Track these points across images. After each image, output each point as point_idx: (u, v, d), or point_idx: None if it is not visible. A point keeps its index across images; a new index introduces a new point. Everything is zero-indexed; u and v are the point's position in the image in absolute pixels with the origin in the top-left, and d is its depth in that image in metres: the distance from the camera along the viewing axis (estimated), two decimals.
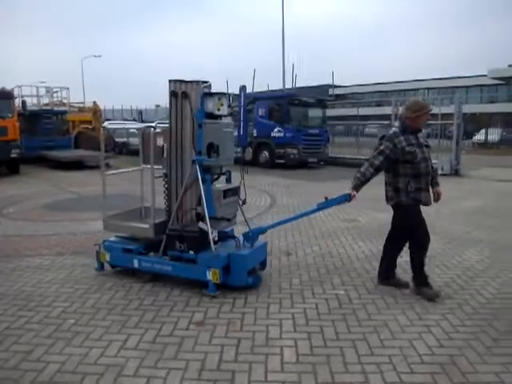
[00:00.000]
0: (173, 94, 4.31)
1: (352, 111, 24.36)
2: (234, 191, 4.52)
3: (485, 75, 42.85)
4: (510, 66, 42.58)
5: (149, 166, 4.67)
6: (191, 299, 4.02)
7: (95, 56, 45.59)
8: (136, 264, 4.47)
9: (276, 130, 15.33)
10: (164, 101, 22.18)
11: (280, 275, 4.67)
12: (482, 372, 2.86)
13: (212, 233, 4.15)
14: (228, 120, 4.66)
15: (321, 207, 4.29)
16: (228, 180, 4.58)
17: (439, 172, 14.11)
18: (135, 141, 22.57)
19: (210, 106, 4.25)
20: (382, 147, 4.03)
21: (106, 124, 5.56)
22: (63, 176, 13.51)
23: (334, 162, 16.70)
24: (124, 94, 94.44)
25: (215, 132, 4.32)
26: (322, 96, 23.29)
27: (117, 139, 23.26)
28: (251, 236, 4.41)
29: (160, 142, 4.53)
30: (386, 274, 4.37)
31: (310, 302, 3.96)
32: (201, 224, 4.22)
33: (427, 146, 4.17)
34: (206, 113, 4.19)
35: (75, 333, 3.38)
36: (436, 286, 4.22)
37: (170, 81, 4.36)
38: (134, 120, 23.08)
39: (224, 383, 2.75)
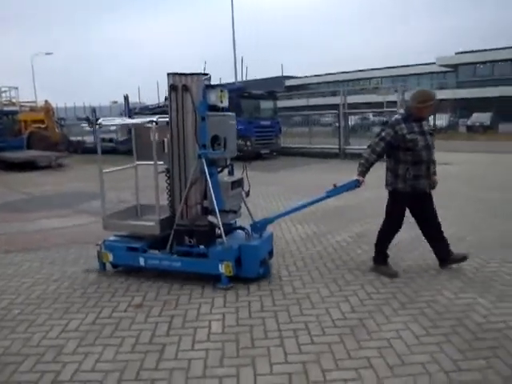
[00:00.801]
0: (172, 88, 4.22)
1: (306, 102, 24.95)
2: (239, 183, 4.51)
3: (434, 63, 44.49)
4: (456, 53, 44.27)
5: (143, 163, 4.74)
6: (131, 286, 4.29)
7: (46, 54, 44.28)
8: (142, 262, 4.39)
9: None
10: (119, 97, 21.99)
11: None
12: (385, 330, 3.27)
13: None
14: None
15: (330, 194, 4.36)
16: (231, 172, 4.55)
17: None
18: (91, 139, 22.40)
19: (213, 98, 4.23)
20: (383, 134, 4.18)
21: (100, 121, 5.10)
22: (16, 177, 13.35)
23: (288, 152, 17.17)
24: (77, 91, 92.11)
25: (220, 124, 4.28)
26: (275, 88, 23.74)
27: (71, 138, 22.98)
28: (259, 227, 4.45)
29: (155, 137, 4.43)
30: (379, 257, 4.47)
31: (245, 283, 4.30)
32: (210, 217, 4.26)
33: (431, 134, 4.26)
34: (208, 105, 4.16)
35: (20, 321, 3.61)
36: (360, 261, 4.68)
37: (168, 74, 4.28)
38: (88, 118, 22.71)
39: (155, 354, 3.05)
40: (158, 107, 20.08)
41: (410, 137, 4.11)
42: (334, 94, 16.17)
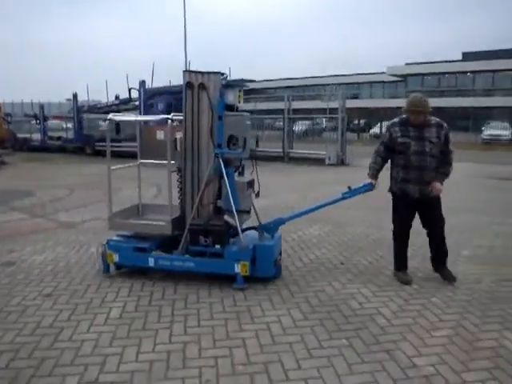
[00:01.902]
0: (188, 86, 4.18)
1: (260, 105, 25.42)
2: (251, 184, 4.48)
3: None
4: (406, 64, 46.04)
5: (147, 161, 4.71)
6: (46, 277, 4.48)
7: None
8: (152, 263, 4.30)
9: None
10: (69, 95, 21.58)
11: None
12: (268, 315, 3.63)
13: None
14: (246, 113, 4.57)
15: (346, 196, 4.38)
16: (241, 173, 4.51)
17: (326, 162, 15.35)
18: (38, 137, 21.95)
19: (231, 97, 4.16)
20: (383, 136, 4.45)
21: (110, 116, 4.77)
22: None
23: None
24: (25, 87, 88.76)
25: (236, 124, 4.23)
26: None
27: (19, 135, 22.44)
28: (272, 227, 4.46)
29: (161, 136, 4.46)
30: (398, 264, 4.52)
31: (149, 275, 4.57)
32: (226, 217, 4.24)
33: (431, 142, 4.16)
34: (225, 105, 4.12)
35: None
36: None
37: (184, 71, 4.24)
38: (35, 115, 22.24)
39: (52, 336, 3.28)
40: (107, 106, 19.98)
41: (402, 140, 4.19)
42: (281, 99, 16.50)
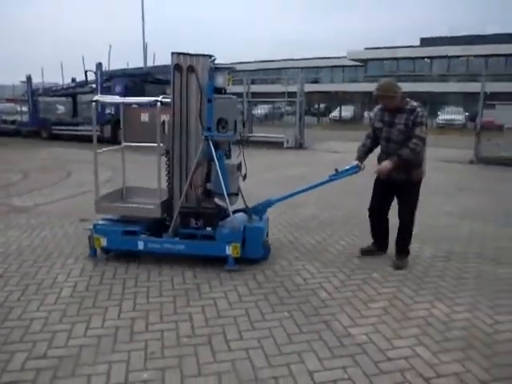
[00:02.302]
0: (176, 68, 4.12)
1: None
2: (239, 166, 4.46)
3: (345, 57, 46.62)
4: (365, 48, 46.70)
5: (131, 144, 4.60)
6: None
7: None
8: (141, 246, 4.30)
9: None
10: (22, 77, 20.76)
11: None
12: (216, 292, 3.79)
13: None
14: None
15: (333, 178, 4.45)
16: (228, 156, 4.48)
17: (285, 145, 15.53)
18: None
19: (220, 80, 4.11)
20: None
21: (97, 97, 4.73)
22: None
23: None
24: None
25: (226, 107, 4.23)
26: None
27: None
28: (261, 209, 4.52)
29: (145, 118, 4.45)
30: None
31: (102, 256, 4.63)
32: (217, 200, 4.28)
33: (398, 129, 4.19)
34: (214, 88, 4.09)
35: None
36: None
37: (172, 53, 4.14)
38: None
39: (1, 316, 3.32)
40: (63, 89, 19.43)
41: (377, 125, 4.37)
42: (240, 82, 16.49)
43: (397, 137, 4.23)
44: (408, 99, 4.27)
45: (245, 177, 4.54)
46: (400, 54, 44.10)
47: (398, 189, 4.41)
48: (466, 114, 28.49)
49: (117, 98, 5.12)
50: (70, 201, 7.20)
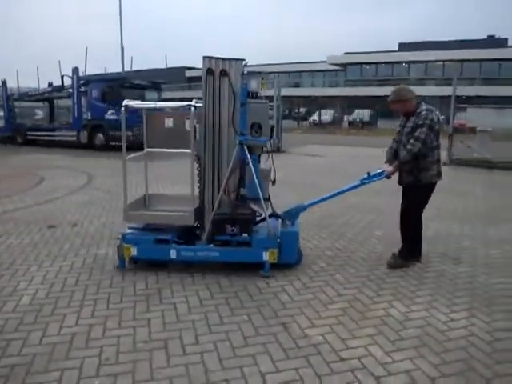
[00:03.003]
0: (209, 72, 4.11)
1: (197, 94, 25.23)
2: (270, 171, 4.49)
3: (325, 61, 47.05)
4: (345, 53, 47.22)
5: (154, 150, 4.50)
6: None
7: None
8: (174, 255, 4.20)
9: (110, 112, 15.49)
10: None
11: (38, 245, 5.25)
12: (177, 297, 3.80)
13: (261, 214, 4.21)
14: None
15: (364, 182, 4.49)
16: (258, 161, 4.45)
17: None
18: None
19: (254, 85, 4.16)
20: None
21: (131, 103, 4.42)
22: None
23: None
24: None
25: (259, 112, 4.22)
26: (176, 78, 23.69)
27: None
28: (294, 214, 4.48)
29: (169, 123, 4.36)
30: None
31: (66, 262, 4.63)
32: (253, 205, 4.25)
33: (406, 132, 4.34)
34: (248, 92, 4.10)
35: None
36: None
37: (204, 57, 4.12)
38: None
39: None
40: (39, 94, 19.25)
41: (397, 129, 4.57)
42: None
43: (404, 138, 4.38)
44: (421, 104, 4.38)
45: (274, 181, 4.54)
46: (379, 58, 44.70)
47: (407, 191, 4.54)
48: (442, 116, 28.97)
49: (149, 104, 4.93)
50: (40, 207, 7.13)
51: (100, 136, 15.79)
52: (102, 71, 20.55)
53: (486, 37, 45.82)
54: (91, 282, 4.10)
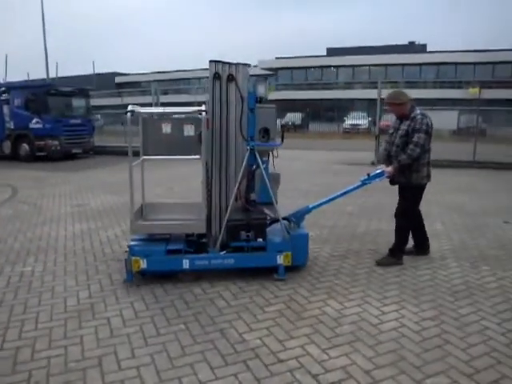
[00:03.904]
0: (216, 77, 4.03)
1: (129, 100, 24.65)
2: (279, 176, 4.52)
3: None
4: (276, 58, 48.06)
5: (151, 158, 4.29)
6: None
7: None
8: (186, 265, 4.09)
9: (34, 121, 14.70)
10: None
11: None
12: (111, 310, 3.68)
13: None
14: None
15: (365, 182, 4.64)
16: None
17: None
18: None
19: (262, 90, 4.11)
20: None
21: (138, 109, 4.16)
22: None
23: (104, 151, 16.89)
24: None
25: (266, 116, 4.21)
26: (104, 84, 22.89)
27: None
28: (299, 217, 4.52)
29: (167, 129, 4.25)
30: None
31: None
32: (266, 210, 4.26)
33: (400, 135, 4.51)
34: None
35: None
36: (119, 253, 5.06)
37: (211, 61, 4.03)
38: None
39: None
40: None
41: (390, 131, 4.77)
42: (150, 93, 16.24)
43: (397, 140, 4.57)
44: (416, 108, 4.60)
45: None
46: (308, 63, 45.96)
47: (400, 191, 4.79)
48: (369, 118, 30.29)
49: (158, 109, 4.60)
50: None
51: (25, 146, 14.94)
52: (25, 77, 19.56)
53: (407, 43, 48.51)
54: (17, 301, 3.86)
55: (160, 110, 4.72)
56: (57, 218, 6.86)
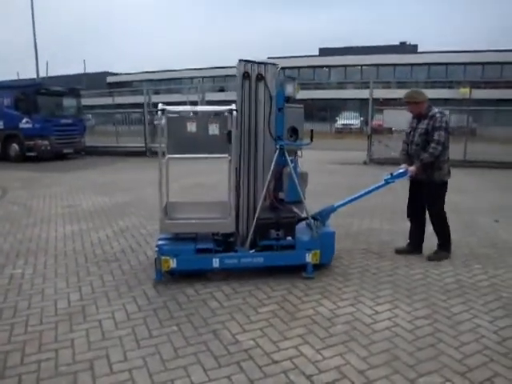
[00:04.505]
0: (245, 76, 4.05)
1: (121, 99, 24.55)
2: (307, 175, 4.55)
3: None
4: (268, 58, 48.00)
5: (175, 156, 4.21)
6: None
7: None
8: (216, 264, 4.10)
9: (24, 121, 14.56)
10: None
11: None
12: (102, 313, 3.64)
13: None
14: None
15: (389, 181, 4.73)
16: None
17: None
18: None
19: (290, 89, 4.14)
20: None
21: (169, 108, 4.13)
22: None
23: (95, 152, 16.78)
24: None
25: (295, 116, 4.28)
26: (96, 83, 22.70)
27: None
28: (325, 215, 4.55)
29: (192, 128, 4.15)
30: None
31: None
32: (295, 209, 4.32)
33: (419, 133, 4.66)
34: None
35: None
36: (112, 252, 5.01)
37: (240, 61, 4.07)
38: None
39: None
40: None
41: (407, 131, 4.91)
42: (142, 92, 16.16)
43: (417, 139, 4.69)
44: (432, 107, 4.72)
45: None
46: (300, 62, 46.02)
47: (420, 190, 4.82)
48: (362, 118, 30.39)
49: (186, 107, 4.59)
50: None
51: (15, 146, 14.79)
52: (15, 77, 19.32)
53: (398, 43, 48.74)
54: (6, 304, 3.79)
55: (188, 108, 4.68)
56: (47, 219, 6.78)
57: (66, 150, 15.42)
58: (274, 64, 4.21)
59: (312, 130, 4.34)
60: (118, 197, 8.40)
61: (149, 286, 4.13)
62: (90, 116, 20.67)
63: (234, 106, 4.08)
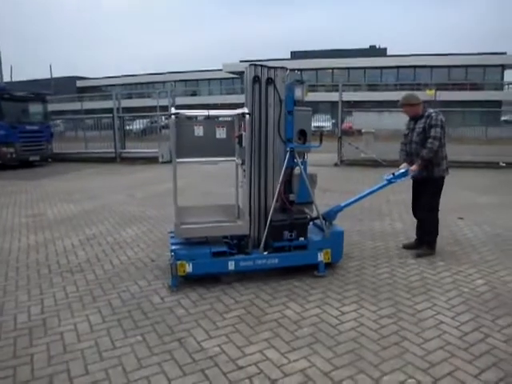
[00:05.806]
0: (255, 80, 4.09)
1: (91, 105, 24.11)
2: (316, 176, 4.67)
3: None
4: (241, 61, 48.02)
5: (184, 160, 4.16)
6: None
7: None
8: (232, 266, 4.14)
9: None
10: None
11: None
12: (65, 325, 3.55)
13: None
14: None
15: (392, 181, 4.87)
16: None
17: (160, 160, 15.20)
18: None
19: (299, 93, 4.22)
20: None
21: (183, 112, 4.14)
22: None
23: (63, 159, 16.44)
24: None
25: (303, 119, 4.35)
26: (65, 88, 22.20)
27: None
28: (332, 215, 4.64)
29: (199, 132, 4.17)
30: None
31: None
32: (307, 210, 4.45)
33: (417, 132, 4.87)
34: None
35: None
36: (77, 263, 4.90)
37: (250, 65, 4.10)
38: None
39: None
40: None
41: (405, 132, 5.15)
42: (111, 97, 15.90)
43: (415, 138, 4.93)
44: (428, 108, 4.99)
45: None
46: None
47: (421, 187, 5.02)
48: (333, 121, 30.68)
49: (201, 112, 4.44)
50: None
51: None
52: None
53: (368, 46, 49.51)
54: None
55: (205, 112, 4.53)
56: (10, 229, 6.60)
57: (32, 158, 15.01)
58: (283, 68, 4.28)
59: (321, 133, 4.53)
60: (85, 204, 8.24)
61: (114, 295, 4.06)
62: (59, 121, 20.26)
63: (246, 110, 4.12)
